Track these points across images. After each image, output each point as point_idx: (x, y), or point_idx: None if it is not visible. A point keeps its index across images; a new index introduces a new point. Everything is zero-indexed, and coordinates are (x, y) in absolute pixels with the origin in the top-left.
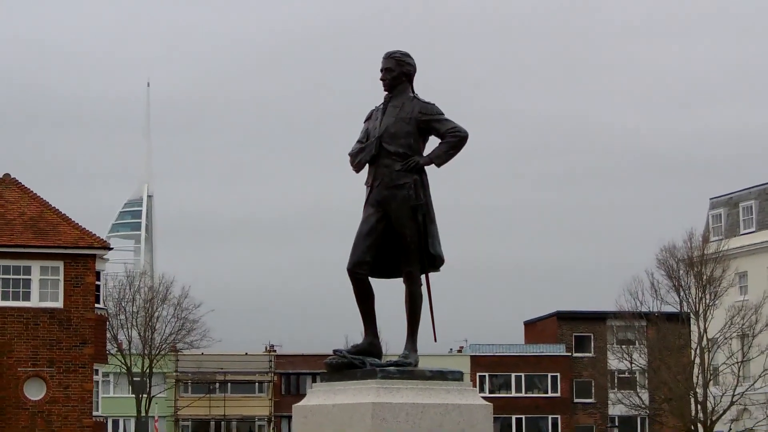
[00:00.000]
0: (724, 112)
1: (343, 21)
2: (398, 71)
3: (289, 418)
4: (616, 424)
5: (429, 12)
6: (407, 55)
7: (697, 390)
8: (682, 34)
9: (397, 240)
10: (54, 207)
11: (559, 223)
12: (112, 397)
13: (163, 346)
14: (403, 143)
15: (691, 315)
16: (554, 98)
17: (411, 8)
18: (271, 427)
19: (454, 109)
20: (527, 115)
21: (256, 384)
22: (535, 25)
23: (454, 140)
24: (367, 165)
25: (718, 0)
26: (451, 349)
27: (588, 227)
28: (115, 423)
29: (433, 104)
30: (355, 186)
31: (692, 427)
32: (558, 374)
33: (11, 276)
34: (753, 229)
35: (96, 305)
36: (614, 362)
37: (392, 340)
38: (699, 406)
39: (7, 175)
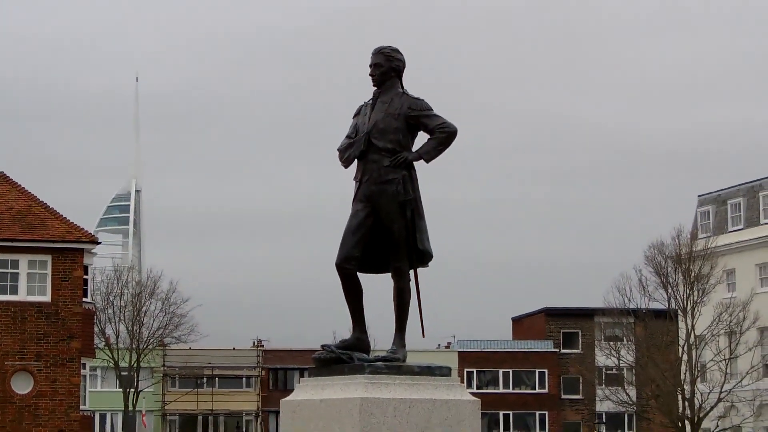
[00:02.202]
0: (713, 110)
1: (338, 16)
2: (387, 67)
3: (277, 413)
4: (604, 420)
5: (426, 8)
6: (396, 50)
7: (685, 387)
8: (672, 33)
9: (386, 235)
10: (42, 201)
11: (547, 220)
12: (99, 392)
13: (151, 341)
14: (392, 139)
15: (679, 312)
16: (544, 95)
17: (408, 4)
18: (259, 422)
19: (445, 104)
20: (516, 111)
21: (244, 379)
22: (529, 22)
23: (443, 136)
24: (355, 160)
25: None
26: (439, 345)
27: (576, 224)
28: (103, 417)
29: (422, 100)
30: (344, 182)
31: (679, 424)
32: (546, 370)
33: None
34: (741, 227)
35: (84, 299)
36: (602, 359)
37: (380, 335)
38: (686, 403)
39: None
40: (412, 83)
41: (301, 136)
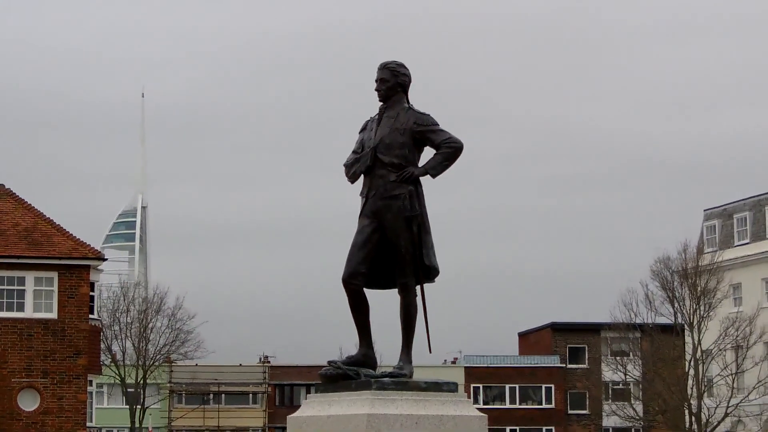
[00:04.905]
0: (721, 121)
1: (348, 26)
2: (393, 82)
3: (284, 429)
4: None
5: (433, 16)
6: (402, 65)
7: (692, 401)
8: (681, 41)
9: (392, 251)
10: (48, 218)
11: (553, 234)
12: (106, 408)
13: (157, 357)
14: (398, 154)
15: (686, 326)
16: (552, 102)
17: (416, 13)
18: None
19: (452, 113)
20: (522, 120)
21: (251, 395)
22: (536, 28)
23: (449, 151)
24: (362, 176)
25: (718, 6)
26: (445, 361)
27: (582, 238)
28: None
29: (428, 115)
30: (351, 196)
31: None
32: (552, 386)
33: (5, 287)
34: (747, 241)
35: (90, 316)
36: (608, 374)
37: (387, 351)
38: (693, 418)
39: (1, 185)
40: (426, 90)
41: (308, 147)
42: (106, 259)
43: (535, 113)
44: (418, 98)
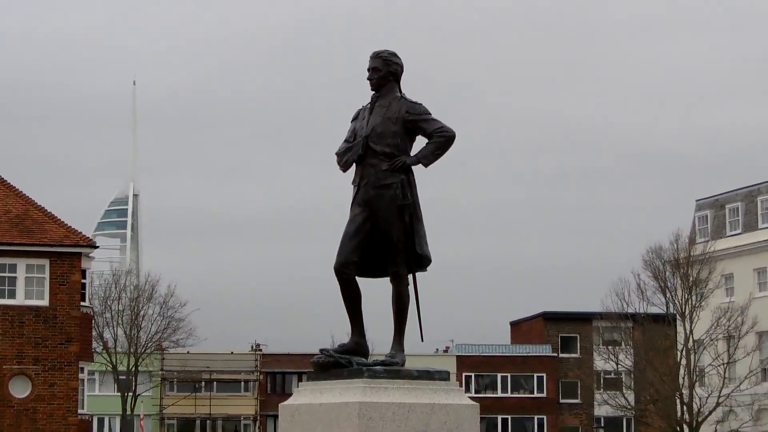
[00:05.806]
0: (713, 114)
1: (342, 17)
2: (385, 71)
3: (275, 417)
4: (602, 424)
5: (429, 10)
6: (394, 54)
7: (683, 391)
8: (675, 35)
9: (384, 240)
10: (40, 205)
11: (545, 224)
12: (97, 395)
13: (149, 345)
14: (390, 143)
15: (677, 316)
16: (544, 96)
17: (411, 6)
18: (257, 426)
19: (446, 106)
20: (514, 113)
21: (242, 383)
22: (530, 23)
23: (441, 140)
24: (354, 164)
25: (712, 1)
26: (437, 349)
27: (575, 228)
28: (101, 421)
29: (420, 104)
30: (343, 186)
31: (678, 428)
32: (544, 375)
33: None
34: (739, 231)
35: (82, 303)
36: (600, 363)
37: (379, 339)
38: (685, 407)
39: None
40: (421, 82)
41: (301, 138)
42: (98, 247)
43: (529, 106)
44: (413, 91)
